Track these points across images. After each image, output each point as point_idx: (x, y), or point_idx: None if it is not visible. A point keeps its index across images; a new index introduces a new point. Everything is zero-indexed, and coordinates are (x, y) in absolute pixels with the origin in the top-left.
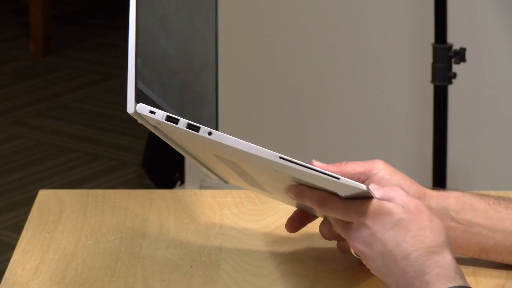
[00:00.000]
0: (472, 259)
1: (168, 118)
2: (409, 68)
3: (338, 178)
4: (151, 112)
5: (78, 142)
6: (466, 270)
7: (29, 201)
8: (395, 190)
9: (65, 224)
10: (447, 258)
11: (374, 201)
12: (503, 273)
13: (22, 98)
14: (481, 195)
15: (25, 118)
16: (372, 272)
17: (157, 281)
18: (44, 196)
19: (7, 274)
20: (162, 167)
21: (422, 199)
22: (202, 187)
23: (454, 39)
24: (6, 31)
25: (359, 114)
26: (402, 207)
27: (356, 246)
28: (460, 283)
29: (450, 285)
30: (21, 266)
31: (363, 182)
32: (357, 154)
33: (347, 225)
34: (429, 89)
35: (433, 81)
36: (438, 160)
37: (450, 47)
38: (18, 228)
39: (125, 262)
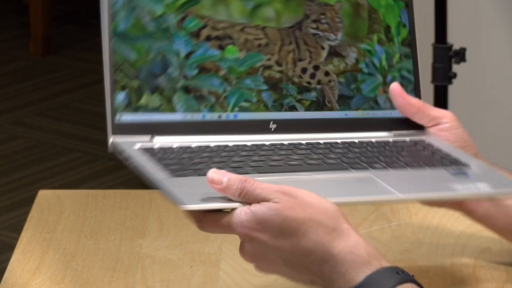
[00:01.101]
0: (471, 259)
1: None
2: None
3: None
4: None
5: (78, 142)
6: (466, 270)
7: (29, 201)
8: (254, 185)
9: (65, 224)
10: (351, 238)
11: (247, 211)
12: (503, 273)
13: (22, 98)
14: None
15: (25, 118)
16: (282, 276)
17: (157, 281)
18: (44, 196)
19: (7, 274)
20: None
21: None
22: None
23: (454, 39)
24: (6, 31)
25: None
26: (275, 203)
27: (252, 260)
28: (377, 266)
29: (368, 272)
30: (21, 266)
31: (432, 126)
32: None
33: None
34: (429, 89)
35: (433, 81)
36: None
37: (450, 47)
38: (18, 228)
39: (125, 262)
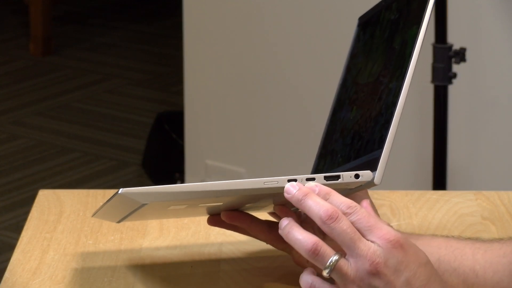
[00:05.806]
0: None
1: None
2: None
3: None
4: None
5: (78, 142)
6: None
7: (29, 201)
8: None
9: (65, 224)
10: None
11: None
12: None
13: (22, 98)
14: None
15: (25, 118)
16: None
17: (157, 281)
18: (44, 196)
19: (7, 274)
20: (162, 167)
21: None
22: None
23: (454, 39)
24: (6, 31)
25: None
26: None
27: None
28: None
29: None
30: (21, 266)
31: None
32: None
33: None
34: (429, 89)
35: (433, 81)
36: (438, 160)
37: (450, 47)
38: (18, 228)
39: (125, 262)
